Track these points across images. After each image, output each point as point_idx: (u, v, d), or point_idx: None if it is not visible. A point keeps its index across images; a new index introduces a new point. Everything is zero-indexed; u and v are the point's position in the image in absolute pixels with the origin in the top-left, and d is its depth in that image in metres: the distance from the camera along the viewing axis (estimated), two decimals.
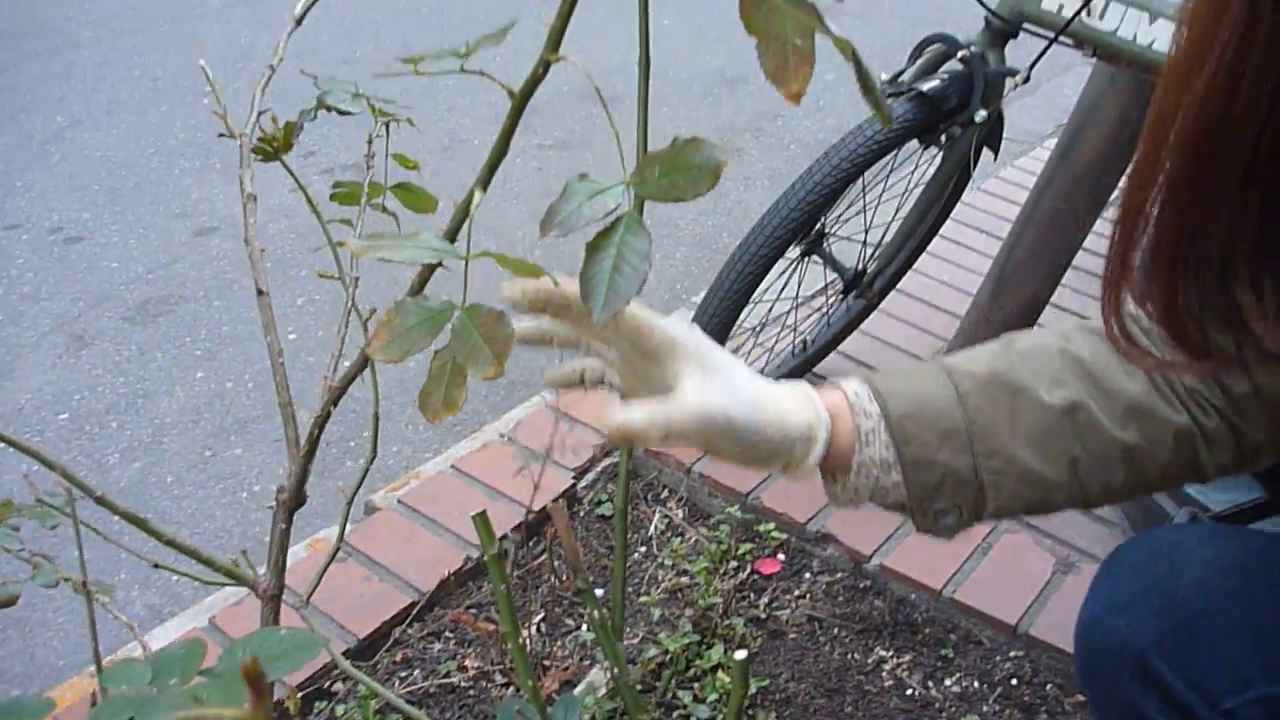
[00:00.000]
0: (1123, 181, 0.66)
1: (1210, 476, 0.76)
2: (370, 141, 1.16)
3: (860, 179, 1.61)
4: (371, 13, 4.32)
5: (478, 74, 0.62)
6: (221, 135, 1.08)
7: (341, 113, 1.06)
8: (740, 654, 0.81)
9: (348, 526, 1.58)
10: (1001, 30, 1.58)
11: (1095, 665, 0.82)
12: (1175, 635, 0.75)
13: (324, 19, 4.17)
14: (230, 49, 4.00)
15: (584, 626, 1.43)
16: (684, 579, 1.46)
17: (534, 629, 1.40)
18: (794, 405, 0.71)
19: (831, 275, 1.89)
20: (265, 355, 2.56)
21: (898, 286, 2.02)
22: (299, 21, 1.09)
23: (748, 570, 1.49)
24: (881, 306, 2.09)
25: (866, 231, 1.83)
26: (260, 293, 0.92)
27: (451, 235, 0.66)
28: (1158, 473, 0.74)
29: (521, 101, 0.60)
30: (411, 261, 0.60)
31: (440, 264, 0.72)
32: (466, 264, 0.62)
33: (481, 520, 0.89)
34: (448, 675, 1.35)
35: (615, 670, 1.03)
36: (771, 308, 1.89)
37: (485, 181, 0.62)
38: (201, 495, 2.07)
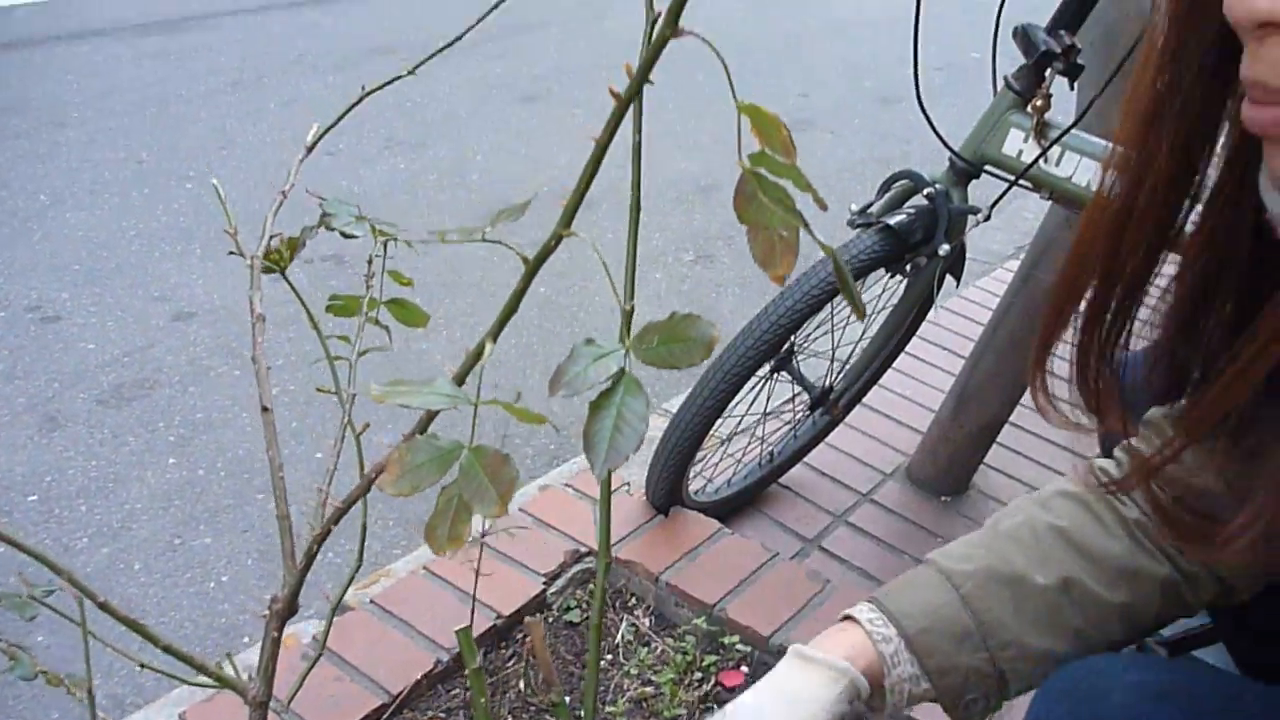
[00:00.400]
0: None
1: (1199, 609, 0.87)
2: (370, 261, 1.22)
3: (830, 303, 1.69)
4: (359, 105, 4.42)
5: (498, 243, 0.69)
6: (231, 253, 1.14)
7: (346, 236, 1.12)
8: None
9: (319, 624, 1.61)
10: (965, 170, 1.68)
11: None
12: None
13: (314, 111, 4.27)
14: (215, 135, 4.08)
15: None
16: (649, 689, 1.50)
17: None
18: (819, 699, 0.84)
19: (799, 390, 1.96)
20: (238, 443, 2.59)
21: (862, 401, 2.10)
22: (310, 149, 1.16)
23: (712, 682, 1.53)
24: (846, 420, 2.16)
25: (834, 351, 1.91)
26: (265, 409, 0.97)
27: (460, 379, 0.71)
28: (1153, 620, 0.86)
29: (534, 267, 0.66)
30: (426, 407, 0.65)
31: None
32: (475, 409, 0.68)
33: (465, 635, 0.94)
34: None
35: None
36: (741, 420, 1.96)
37: (495, 334, 0.68)
38: (169, 584, 2.08)
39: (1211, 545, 0.70)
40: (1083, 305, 0.77)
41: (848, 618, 0.89)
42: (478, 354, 0.68)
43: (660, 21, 0.54)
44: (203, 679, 0.96)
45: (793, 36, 6.07)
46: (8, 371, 2.67)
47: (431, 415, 0.78)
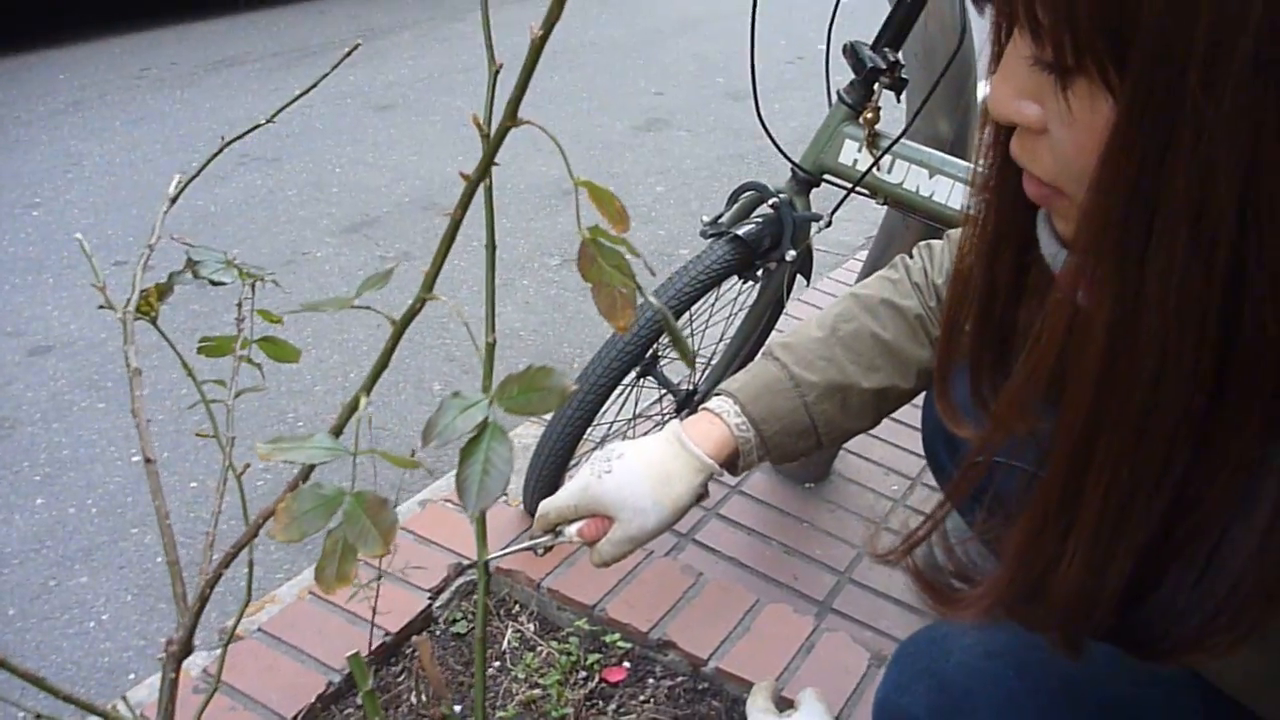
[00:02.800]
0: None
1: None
2: (240, 304, 1.25)
3: (688, 311, 1.79)
4: (207, 121, 4.35)
5: (366, 308, 0.75)
6: (101, 307, 1.16)
7: (214, 283, 1.15)
8: None
9: (208, 655, 1.63)
10: (806, 180, 1.79)
11: None
12: (944, 710, 0.93)
13: (158, 128, 4.19)
14: (60, 158, 3.97)
15: None
16: (536, 691, 1.57)
17: None
18: (686, 480, 1.10)
19: (665, 393, 2.05)
20: (107, 478, 2.56)
21: None
22: (173, 200, 1.20)
23: (596, 679, 1.61)
24: None
25: (695, 353, 2.00)
26: (148, 460, 1.01)
27: (338, 430, 0.77)
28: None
29: (401, 329, 0.73)
30: (310, 461, 0.71)
31: None
32: (354, 459, 0.74)
33: (355, 660, 0.99)
34: None
35: None
36: (612, 426, 2.04)
37: (369, 388, 0.74)
38: (46, 626, 2.06)
39: (952, 606, 0.80)
40: (968, 325, 0.86)
41: (714, 414, 1.14)
42: (353, 407, 0.74)
43: (501, 115, 0.61)
44: None
45: (648, 33, 6.18)
46: None
47: (310, 470, 0.83)
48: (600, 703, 1.58)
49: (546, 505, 1.14)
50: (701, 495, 1.12)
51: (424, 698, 1.46)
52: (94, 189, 3.76)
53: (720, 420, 1.12)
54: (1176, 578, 0.68)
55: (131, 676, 1.95)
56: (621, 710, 1.57)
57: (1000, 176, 0.76)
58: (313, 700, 1.50)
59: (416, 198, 3.83)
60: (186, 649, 0.97)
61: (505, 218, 3.79)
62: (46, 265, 3.26)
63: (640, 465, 1.10)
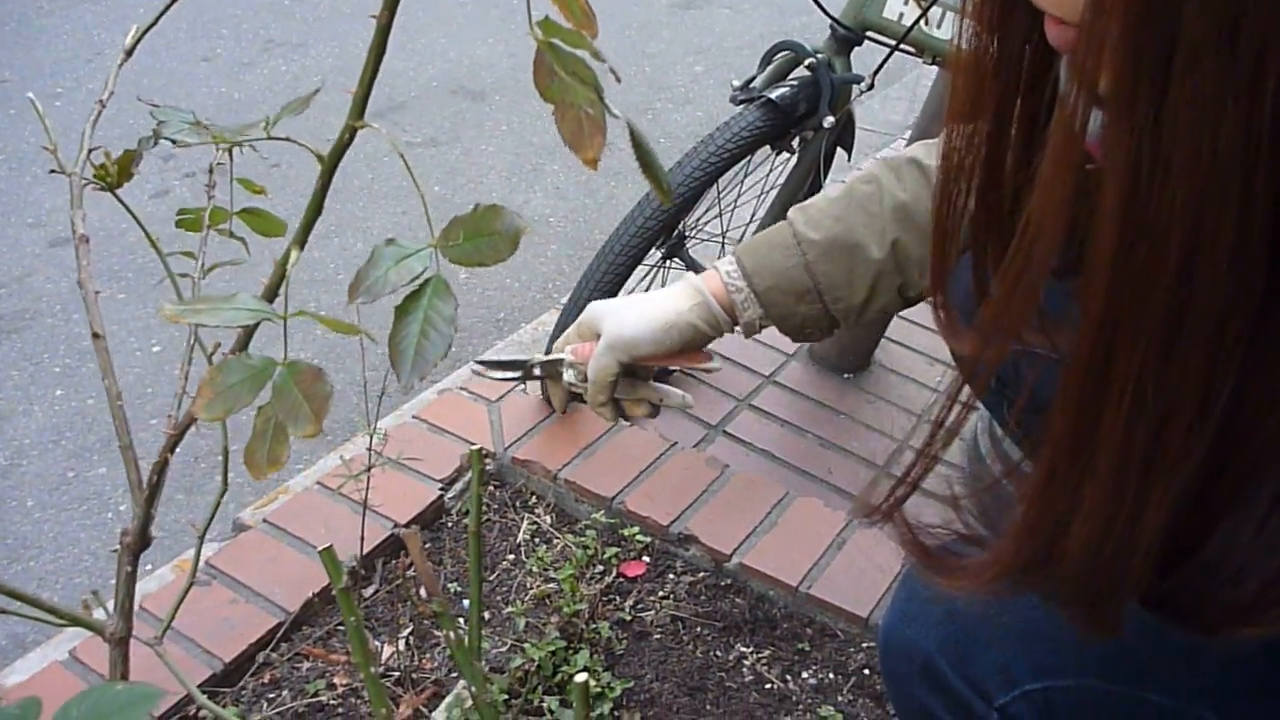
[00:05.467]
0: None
1: None
2: (211, 170, 1.15)
3: (715, 184, 1.65)
4: (231, 6, 4.21)
5: (285, 139, 0.64)
6: (53, 171, 1.06)
7: (177, 144, 1.05)
8: (580, 677, 0.84)
9: (217, 546, 1.57)
10: (846, 38, 1.64)
11: (892, 669, 0.89)
12: (955, 641, 0.82)
13: (180, 14, 4.05)
14: (82, 47, 3.86)
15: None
16: (551, 585, 1.49)
17: (402, 643, 1.41)
18: (675, 302, 1.06)
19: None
20: (127, 368, 2.49)
21: None
22: (129, 53, 1.09)
23: (613, 574, 1.53)
24: None
25: (724, 235, 1.87)
26: (96, 336, 0.92)
27: (270, 294, 0.67)
28: None
29: (331, 165, 0.62)
30: (230, 324, 0.61)
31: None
32: (285, 323, 0.63)
33: (328, 555, 0.91)
34: (316, 695, 1.35)
35: (473, 690, 1.05)
36: None
37: (301, 241, 0.64)
38: (64, 518, 2.02)
39: (951, 575, 0.67)
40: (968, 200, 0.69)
41: (714, 268, 1.08)
42: (283, 264, 0.64)
43: None
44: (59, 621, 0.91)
45: None
46: None
47: (249, 333, 0.73)
48: (617, 598, 1.50)
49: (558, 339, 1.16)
50: (699, 334, 1.07)
51: (418, 603, 1.39)
52: (91, 114, 3.66)
53: (716, 273, 1.08)
54: (1229, 531, 0.55)
55: (149, 567, 1.91)
56: (639, 606, 1.49)
57: (1004, 9, 0.60)
58: (312, 595, 1.43)
59: (445, 81, 3.68)
60: (141, 540, 0.89)
61: (535, 100, 3.61)
62: (68, 156, 3.17)
63: (640, 295, 1.11)
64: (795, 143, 1.73)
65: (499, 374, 1.24)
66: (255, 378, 0.62)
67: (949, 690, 0.81)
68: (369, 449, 1.45)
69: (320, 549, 0.91)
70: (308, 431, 0.60)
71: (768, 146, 1.69)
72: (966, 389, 0.65)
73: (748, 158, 1.66)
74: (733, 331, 1.09)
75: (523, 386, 1.86)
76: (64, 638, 1.49)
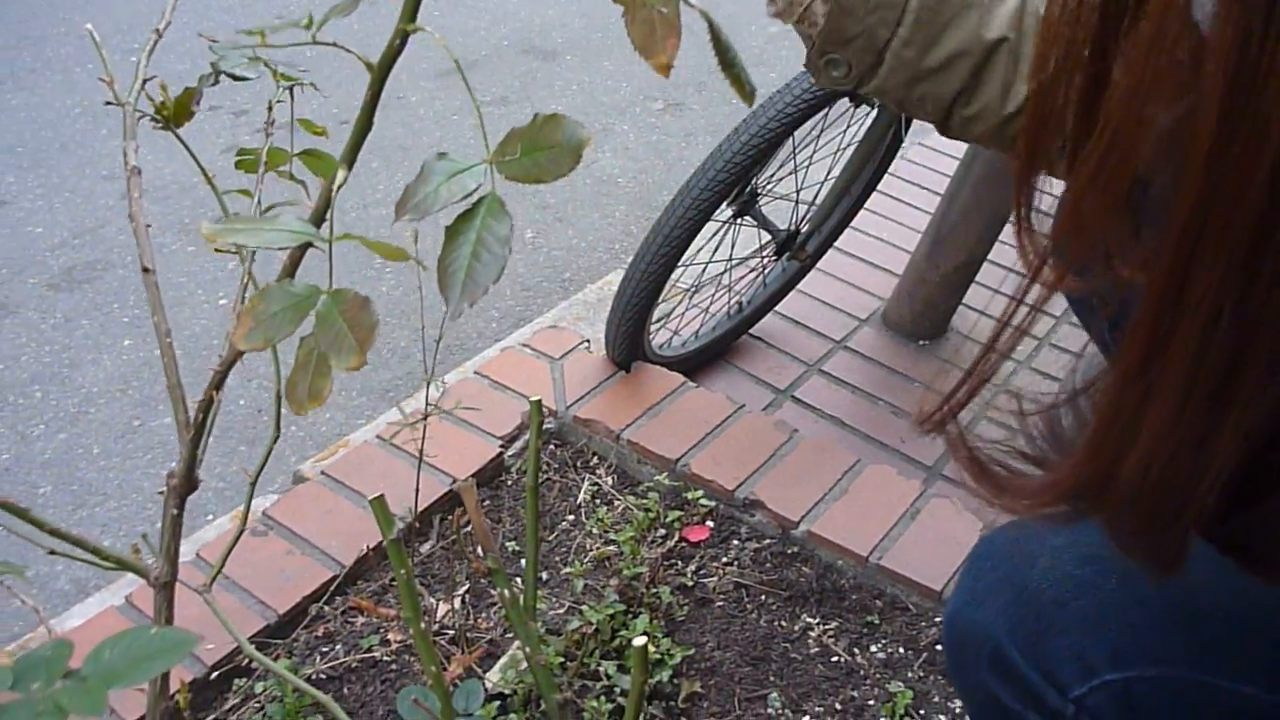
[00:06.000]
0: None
1: None
2: (270, 108, 1.12)
3: (790, 138, 1.59)
4: None
5: (330, 45, 0.59)
6: (109, 103, 1.04)
7: (236, 78, 1.02)
8: (639, 640, 0.80)
9: (273, 498, 1.55)
10: None
11: (958, 656, 0.82)
12: (1027, 626, 0.75)
13: None
14: (161, 3, 3.88)
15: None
16: (611, 548, 1.45)
17: (458, 601, 1.38)
18: None
19: (766, 236, 1.86)
20: (194, 320, 2.49)
21: (836, 244, 2.01)
22: None
23: (675, 538, 1.48)
24: (820, 265, 2.07)
25: (798, 192, 1.81)
26: (146, 270, 0.89)
27: (318, 218, 0.63)
28: None
29: (381, 74, 0.57)
30: (269, 246, 0.57)
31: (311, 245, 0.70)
32: (330, 247, 0.59)
33: (378, 505, 0.87)
34: (370, 650, 1.33)
35: (527, 650, 1.02)
36: (705, 268, 1.87)
37: (350, 160, 0.59)
38: (129, 466, 2.03)
39: (1007, 494, 0.61)
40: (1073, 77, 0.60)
41: None
42: (330, 185, 0.60)
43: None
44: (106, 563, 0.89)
45: None
46: None
47: (296, 260, 0.69)
48: (679, 563, 1.45)
49: None
50: None
51: (473, 560, 1.36)
52: (188, 33, 3.67)
53: None
54: None
55: (210, 517, 1.91)
56: (702, 572, 1.44)
57: None
58: (367, 549, 1.40)
59: (515, 41, 3.63)
60: (188, 482, 0.86)
61: (607, 59, 3.57)
62: (143, 109, 3.19)
63: None
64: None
65: None
66: (298, 306, 0.58)
67: (1019, 679, 0.75)
68: (426, 398, 1.41)
69: (371, 498, 0.87)
70: (351, 363, 0.56)
71: (846, 99, 1.61)
72: (1039, 291, 0.58)
73: (825, 110, 1.59)
74: None
75: (587, 343, 1.82)
76: (122, 584, 1.49)
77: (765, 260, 1.93)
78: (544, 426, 1.66)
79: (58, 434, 2.09)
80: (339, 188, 0.59)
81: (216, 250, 1.09)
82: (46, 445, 2.07)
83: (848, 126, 1.81)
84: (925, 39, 0.78)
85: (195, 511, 1.94)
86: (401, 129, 3.11)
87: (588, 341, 1.82)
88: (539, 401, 1.02)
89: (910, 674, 1.33)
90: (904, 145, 1.87)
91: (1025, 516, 0.60)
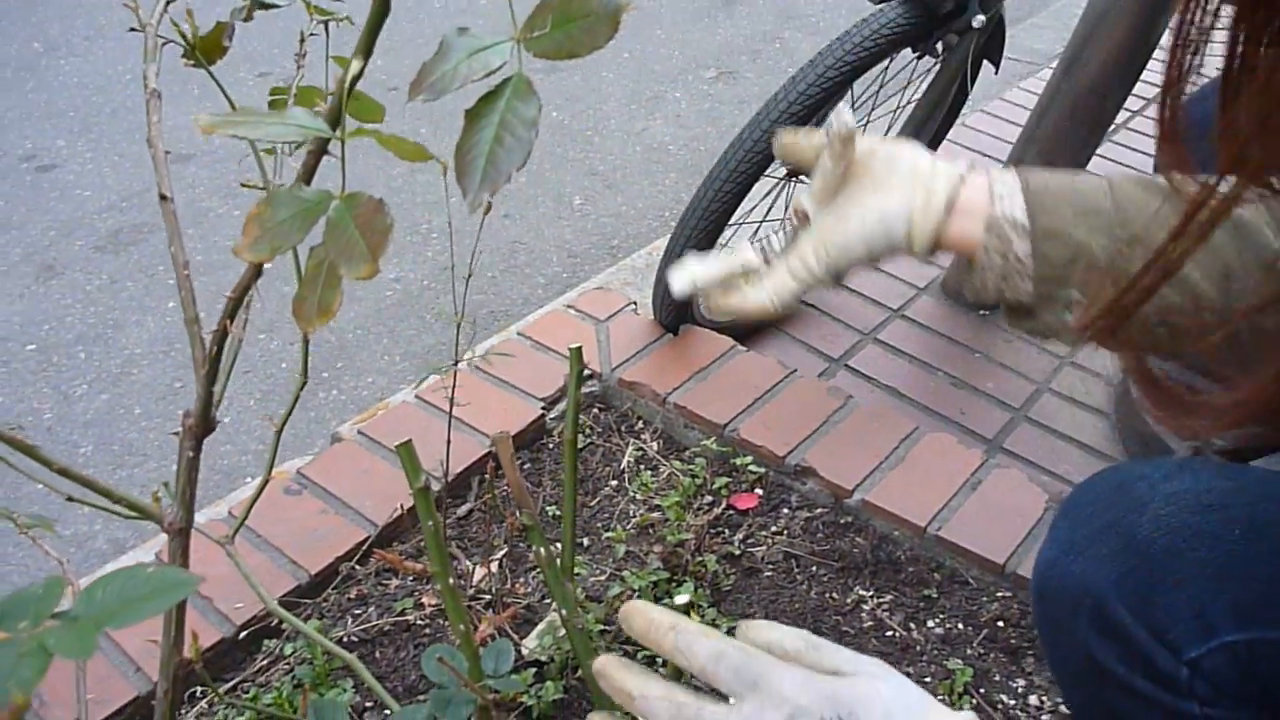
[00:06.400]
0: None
1: None
2: (303, 40, 1.07)
3: (849, 90, 1.51)
4: None
5: None
6: (132, 30, 0.99)
7: (267, 6, 0.97)
8: (682, 599, 0.74)
9: (307, 458, 1.51)
10: None
11: (1051, 612, 0.75)
12: (1136, 579, 0.67)
13: None
14: None
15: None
16: (655, 514, 1.39)
17: (495, 565, 1.33)
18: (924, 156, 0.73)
19: None
20: (248, 320, 2.46)
21: None
22: None
23: (723, 505, 1.42)
24: None
25: None
26: (163, 198, 0.84)
27: (333, 118, 0.57)
28: None
29: None
30: (272, 140, 0.51)
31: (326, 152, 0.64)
32: (343, 145, 0.54)
33: (406, 451, 0.82)
34: (403, 613, 1.28)
35: (564, 613, 0.96)
36: (758, 230, 1.80)
37: (365, 50, 0.53)
38: (170, 427, 2.00)
39: (1186, 412, 0.54)
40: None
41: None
42: (345, 79, 0.54)
43: None
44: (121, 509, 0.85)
45: None
46: (3, 222, 2.56)
47: (311, 168, 0.64)
48: (726, 531, 1.39)
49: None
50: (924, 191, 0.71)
51: (507, 516, 1.30)
52: None
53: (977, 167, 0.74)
54: None
55: (249, 480, 1.88)
56: (750, 540, 1.38)
57: None
58: (401, 508, 1.36)
59: None
60: (204, 423, 0.81)
61: (659, 27, 3.50)
62: (193, 77, 3.17)
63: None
64: (939, 47, 1.57)
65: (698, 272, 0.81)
66: (307, 212, 0.53)
67: (1126, 638, 0.67)
68: (456, 341, 1.35)
69: (397, 444, 0.82)
70: (363, 271, 0.50)
71: (909, 49, 1.53)
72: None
73: (887, 60, 1.51)
74: (927, 247, 0.73)
75: (634, 305, 1.76)
76: (156, 542, 1.46)
77: None
78: (588, 390, 1.61)
79: (100, 394, 2.08)
80: (355, 79, 0.53)
81: (243, 185, 1.04)
82: (89, 405, 2.05)
83: (908, 84, 1.73)
84: (1148, 233, 0.66)
85: (233, 474, 1.92)
86: (450, 96, 3.06)
87: (634, 303, 1.75)
88: (579, 349, 0.96)
89: (969, 651, 1.26)
90: (964, 110, 1.78)
91: (1199, 433, 0.53)
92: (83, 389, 2.10)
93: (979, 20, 1.46)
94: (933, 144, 1.78)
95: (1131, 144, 2.55)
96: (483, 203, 0.44)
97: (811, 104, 1.42)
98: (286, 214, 0.53)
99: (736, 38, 3.45)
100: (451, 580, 0.87)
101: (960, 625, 1.29)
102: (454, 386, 1.30)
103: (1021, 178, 0.71)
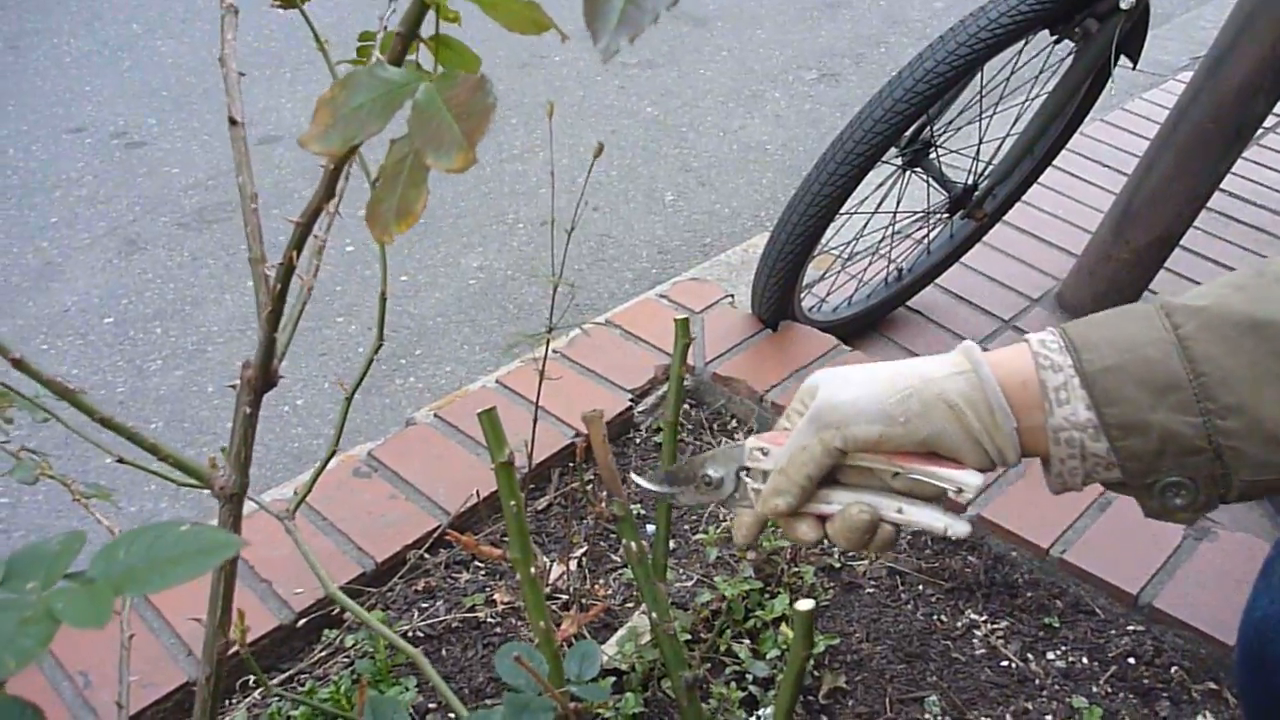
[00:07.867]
0: None
1: None
2: None
3: (978, 74, 1.39)
4: None
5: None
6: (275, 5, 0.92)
7: None
8: (805, 604, 0.63)
9: (379, 441, 1.43)
10: None
11: (1264, 672, 0.62)
12: None
13: None
14: None
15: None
16: None
17: (574, 564, 1.23)
18: (926, 371, 0.63)
19: (935, 197, 1.66)
20: (323, 266, 2.40)
21: (1006, 219, 1.79)
22: None
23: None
24: (988, 239, 1.87)
25: (980, 141, 1.60)
26: (233, 122, 0.75)
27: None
28: None
29: None
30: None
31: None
32: (437, 20, 0.44)
33: (489, 420, 0.72)
34: (473, 609, 1.19)
35: (654, 616, 0.85)
36: (865, 224, 1.68)
37: None
38: None
39: None
40: None
41: (1014, 347, 0.63)
42: None
43: None
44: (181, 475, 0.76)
45: None
46: (90, 196, 2.55)
47: (400, 52, 0.54)
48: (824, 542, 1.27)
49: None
50: (954, 422, 0.62)
51: (598, 503, 1.20)
52: None
53: (1017, 348, 0.62)
54: None
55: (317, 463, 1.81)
56: (851, 554, 1.26)
57: None
58: (477, 497, 1.26)
59: None
60: (264, 375, 0.72)
61: (760, 28, 3.40)
62: (286, 60, 3.16)
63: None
64: (1078, 31, 1.44)
65: (656, 488, 0.77)
66: (390, 95, 0.43)
67: None
68: (551, 310, 1.26)
69: (480, 411, 0.72)
70: (455, 162, 0.40)
71: (1046, 31, 1.41)
72: None
73: (1021, 42, 1.39)
74: (1011, 456, 0.63)
75: (731, 298, 1.65)
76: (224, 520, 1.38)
77: (933, 222, 1.72)
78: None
79: (174, 370, 2.03)
80: None
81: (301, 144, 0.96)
82: (162, 381, 2.00)
83: (1039, 73, 1.60)
84: (1245, 394, 0.56)
85: (303, 457, 1.85)
86: (544, 87, 3.00)
87: (731, 296, 1.65)
88: (685, 320, 0.87)
89: (1095, 689, 1.12)
90: (1089, 117, 1.65)
91: None
92: (157, 364, 2.05)
93: (1128, 1, 1.34)
94: (1063, 137, 1.65)
95: (1277, 148, 2.40)
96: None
97: (940, 84, 1.30)
98: (365, 97, 0.44)
99: (840, 40, 3.34)
100: (533, 570, 0.77)
101: (1085, 659, 1.15)
102: (545, 357, 1.20)
103: (1073, 355, 0.59)
